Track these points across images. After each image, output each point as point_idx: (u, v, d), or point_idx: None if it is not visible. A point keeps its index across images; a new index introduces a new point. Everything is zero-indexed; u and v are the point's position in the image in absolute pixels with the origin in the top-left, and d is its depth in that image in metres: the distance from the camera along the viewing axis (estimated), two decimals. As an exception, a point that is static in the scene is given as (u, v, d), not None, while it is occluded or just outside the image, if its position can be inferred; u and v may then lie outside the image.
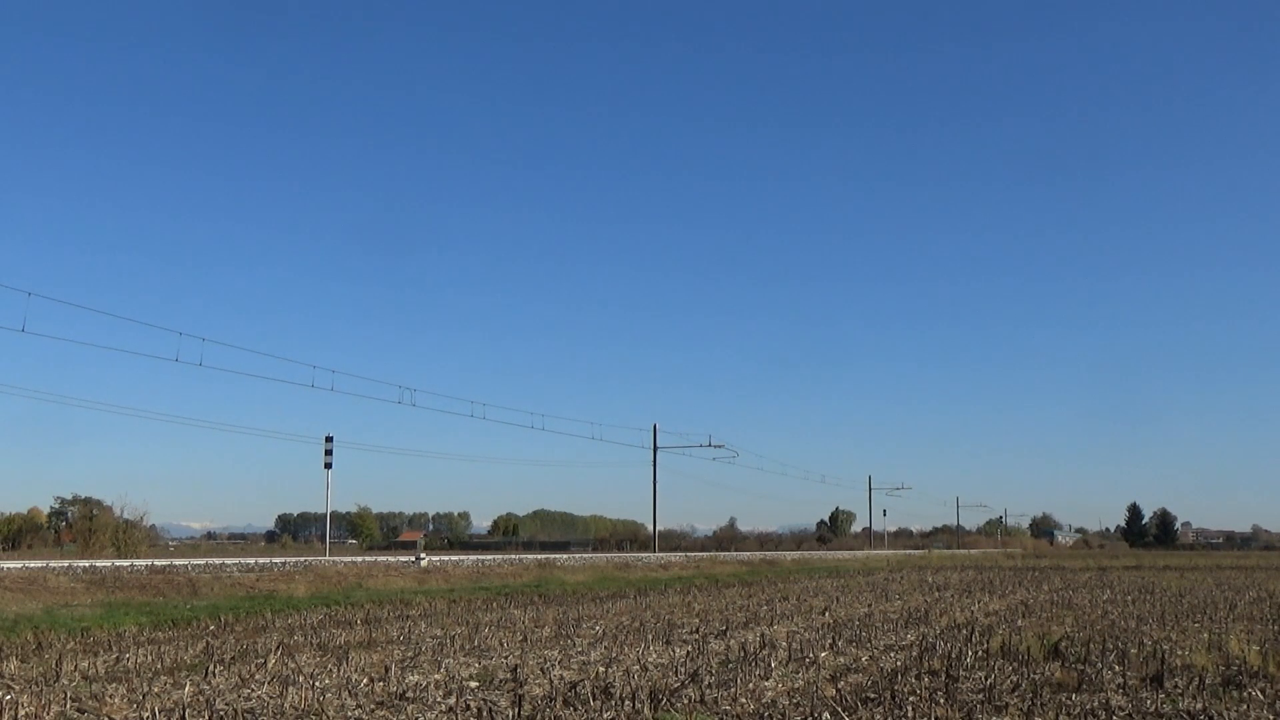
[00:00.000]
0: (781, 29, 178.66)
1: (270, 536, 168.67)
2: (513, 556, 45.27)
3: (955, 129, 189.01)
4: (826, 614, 18.50)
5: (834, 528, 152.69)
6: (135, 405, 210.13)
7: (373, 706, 8.27)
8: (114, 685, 9.28)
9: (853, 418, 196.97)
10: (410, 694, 8.83)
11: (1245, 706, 8.47)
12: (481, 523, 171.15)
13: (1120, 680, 9.81)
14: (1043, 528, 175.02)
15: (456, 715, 7.95)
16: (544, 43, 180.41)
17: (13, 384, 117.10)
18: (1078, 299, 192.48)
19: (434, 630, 14.92)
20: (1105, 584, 31.86)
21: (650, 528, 65.37)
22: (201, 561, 29.25)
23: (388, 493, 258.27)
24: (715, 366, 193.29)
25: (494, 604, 21.63)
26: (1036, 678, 9.85)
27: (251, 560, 32.45)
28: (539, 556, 46.29)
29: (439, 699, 8.58)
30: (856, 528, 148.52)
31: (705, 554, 63.93)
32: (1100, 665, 10.91)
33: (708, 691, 9.00)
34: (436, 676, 9.87)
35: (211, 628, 15.69)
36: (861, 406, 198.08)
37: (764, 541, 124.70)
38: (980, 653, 12.01)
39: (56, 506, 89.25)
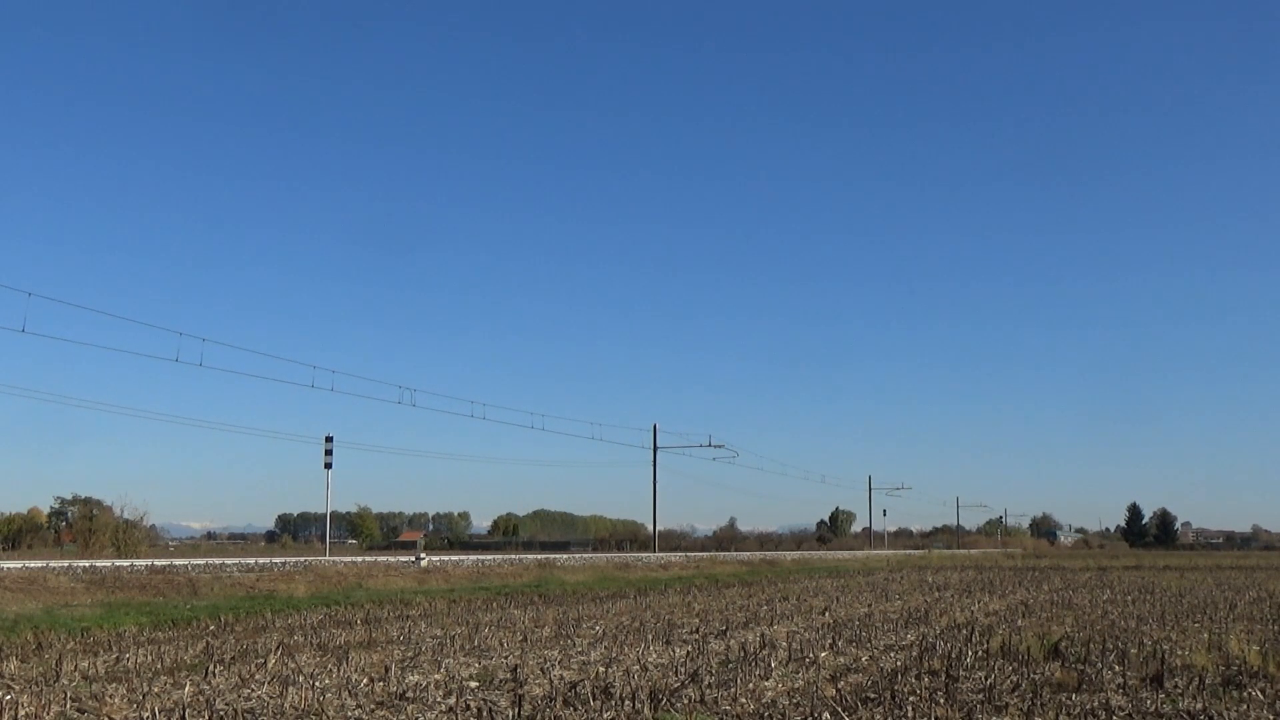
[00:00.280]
0: (782, 29, 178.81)
1: (270, 536, 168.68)
2: (513, 556, 45.27)
3: (955, 129, 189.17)
4: (826, 614, 18.49)
5: (834, 528, 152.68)
6: (135, 405, 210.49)
7: (373, 706, 8.27)
8: (114, 685, 9.28)
9: (853, 418, 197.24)
10: (410, 694, 8.83)
11: (1245, 706, 8.46)
12: (481, 523, 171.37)
13: (1120, 680, 9.81)
14: (1045, 528, 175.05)
15: (456, 715, 7.95)
16: (544, 43, 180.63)
17: (13, 384, 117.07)
18: (1077, 299, 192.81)
19: (434, 630, 14.92)
20: (1105, 584, 31.86)
21: (650, 528, 65.37)
22: (201, 561, 29.25)
23: (388, 493, 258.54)
24: (715, 366, 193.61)
25: (494, 604, 21.63)
26: (1036, 678, 9.85)
27: (251, 560, 32.44)
28: (539, 556, 46.29)
29: (439, 699, 8.58)
30: (856, 528, 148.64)
31: (705, 554, 63.92)
32: (1100, 665, 10.91)
33: (708, 691, 9.00)
34: (436, 676, 9.87)
35: (211, 628, 15.68)
36: (861, 406, 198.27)
37: (764, 541, 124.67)
38: (980, 653, 12.01)
39: (56, 506, 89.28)
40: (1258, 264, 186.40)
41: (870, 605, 21.13)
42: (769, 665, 10.84)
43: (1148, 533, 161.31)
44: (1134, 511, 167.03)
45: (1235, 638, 13.61)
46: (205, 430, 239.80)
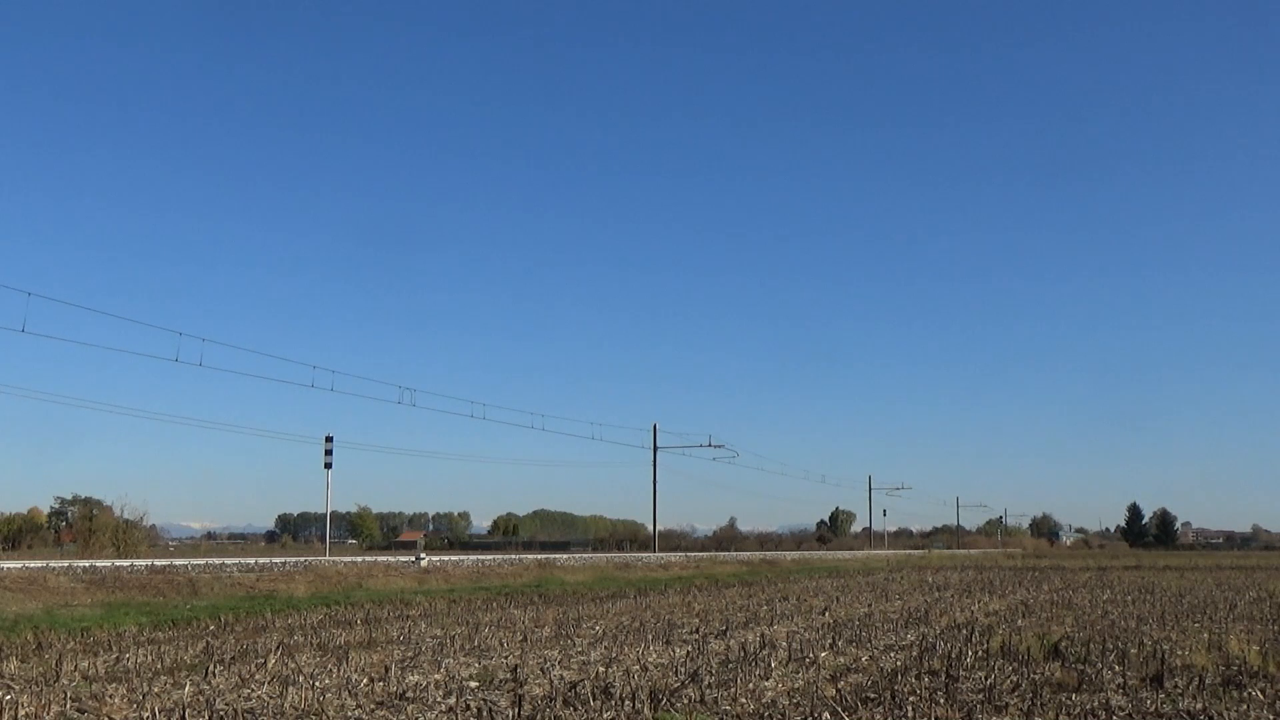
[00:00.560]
0: (782, 29, 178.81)
1: (270, 536, 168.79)
2: (513, 556, 45.26)
3: (956, 129, 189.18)
4: (826, 614, 18.49)
5: (834, 528, 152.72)
6: (135, 405, 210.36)
7: (373, 706, 8.27)
8: (114, 685, 9.28)
9: (853, 418, 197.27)
10: (410, 694, 8.83)
11: (1245, 706, 8.47)
12: (481, 523, 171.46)
13: (1120, 680, 9.81)
14: (1045, 528, 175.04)
15: (456, 715, 7.95)
16: (544, 43, 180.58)
17: (13, 384, 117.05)
18: (1078, 299, 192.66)
19: (434, 630, 14.92)
20: (1105, 584, 31.86)
21: (650, 528, 65.36)
22: (201, 561, 29.24)
23: (388, 493, 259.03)
24: (715, 366, 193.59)
25: (494, 604, 21.63)
26: (1036, 678, 9.85)
27: (251, 560, 32.43)
28: (539, 556, 46.28)
29: (439, 699, 8.58)
30: (856, 528, 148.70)
31: (705, 554, 63.92)
32: (1100, 665, 10.91)
33: (708, 691, 9.00)
34: (436, 676, 9.87)
35: (211, 628, 15.69)
36: (861, 406, 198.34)
37: (764, 541, 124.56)
38: (980, 653, 12.01)
39: (56, 506, 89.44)
40: (1258, 264, 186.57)
41: (870, 605, 21.13)
42: (769, 665, 10.84)
43: (1148, 533, 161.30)
44: (1134, 511, 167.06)
45: (1235, 638, 13.62)
46: (205, 430, 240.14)
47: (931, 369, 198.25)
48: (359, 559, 35.08)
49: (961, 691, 9.09)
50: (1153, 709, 8.33)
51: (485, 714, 7.95)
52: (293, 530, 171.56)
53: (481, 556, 44.87)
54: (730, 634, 14.42)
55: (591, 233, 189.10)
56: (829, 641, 13.42)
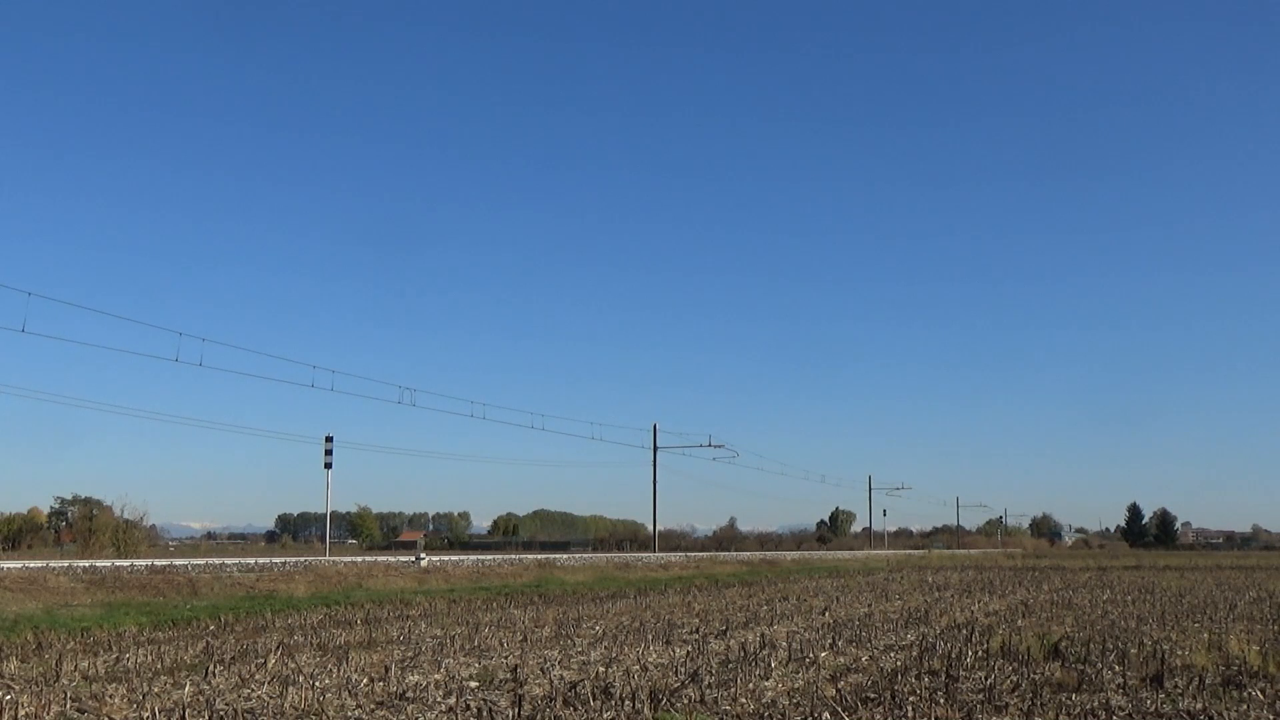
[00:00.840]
0: (783, 29, 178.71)
1: (270, 536, 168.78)
2: (513, 556, 45.27)
3: (957, 129, 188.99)
4: (826, 614, 18.50)
5: (834, 528, 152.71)
6: (135, 405, 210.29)
7: (373, 706, 8.27)
8: (114, 685, 9.28)
9: (853, 418, 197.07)
10: (410, 694, 8.83)
11: (1245, 706, 8.47)
12: (481, 523, 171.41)
13: (1120, 680, 9.81)
14: (1046, 528, 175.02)
15: (456, 715, 7.95)
16: (544, 43, 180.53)
17: (13, 384, 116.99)
18: (1078, 299, 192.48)
19: (434, 630, 14.92)
20: (1105, 584, 31.86)
21: (650, 528, 65.37)
22: (201, 561, 29.25)
23: (388, 493, 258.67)
24: (715, 366, 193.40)
25: (494, 604, 21.63)
26: (1036, 678, 9.85)
27: (251, 560, 32.44)
28: (539, 556, 46.28)
29: (439, 699, 8.58)
30: (856, 528, 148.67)
31: (705, 554, 63.93)
32: (1100, 665, 10.92)
33: (708, 691, 9.00)
34: (436, 676, 9.87)
35: (211, 628, 15.69)
36: (861, 406, 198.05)
37: (764, 541, 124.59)
38: (980, 653, 12.01)
39: (56, 506, 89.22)
40: (1258, 264, 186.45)
41: (870, 605, 21.13)
42: (769, 665, 10.84)
43: (1148, 533, 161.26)
44: (1134, 511, 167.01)
45: (1235, 638, 13.62)
46: (205, 430, 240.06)
47: (931, 369, 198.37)
48: (359, 559, 35.08)
49: (961, 691, 9.09)
50: (1153, 709, 8.33)
51: (485, 714, 7.95)
52: (293, 530, 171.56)
53: (481, 556, 44.88)
54: (730, 634, 14.42)
55: (591, 233, 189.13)
56: (829, 641, 13.42)
